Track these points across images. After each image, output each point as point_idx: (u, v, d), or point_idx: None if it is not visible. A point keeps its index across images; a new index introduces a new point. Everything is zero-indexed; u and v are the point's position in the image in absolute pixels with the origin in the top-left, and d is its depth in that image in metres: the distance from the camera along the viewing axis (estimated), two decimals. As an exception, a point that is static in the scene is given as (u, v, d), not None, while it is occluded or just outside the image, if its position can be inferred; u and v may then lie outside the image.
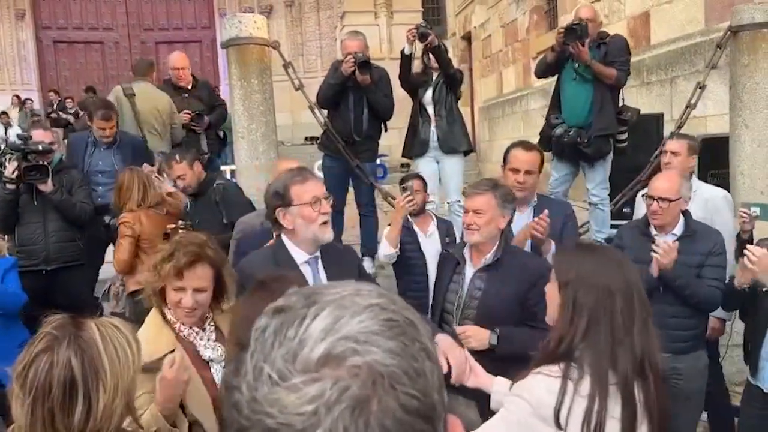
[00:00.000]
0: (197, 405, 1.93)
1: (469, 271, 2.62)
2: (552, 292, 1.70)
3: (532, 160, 3.06)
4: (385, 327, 0.51)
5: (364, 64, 4.32)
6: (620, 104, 4.53)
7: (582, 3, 4.48)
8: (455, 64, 12.25)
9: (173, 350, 1.94)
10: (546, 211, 2.87)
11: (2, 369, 2.49)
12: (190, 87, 5.25)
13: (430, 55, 4.57)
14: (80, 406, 1.23)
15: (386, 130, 4.85)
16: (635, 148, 4.74)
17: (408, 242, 3.42)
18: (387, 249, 3.32)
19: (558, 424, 1.50)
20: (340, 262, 2.45)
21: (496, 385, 1.89)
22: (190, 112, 5.02)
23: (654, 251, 2.70)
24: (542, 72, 4.61)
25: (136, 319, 2.68)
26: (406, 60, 4.60)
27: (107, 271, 4.24)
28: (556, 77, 4.56)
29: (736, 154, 4.39)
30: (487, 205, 2.54)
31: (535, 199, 3.15)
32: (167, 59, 5.55)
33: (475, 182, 3.11)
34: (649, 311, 1.63)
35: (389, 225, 3.41)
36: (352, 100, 4.55)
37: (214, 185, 3.85)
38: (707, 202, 3.43)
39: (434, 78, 4.63)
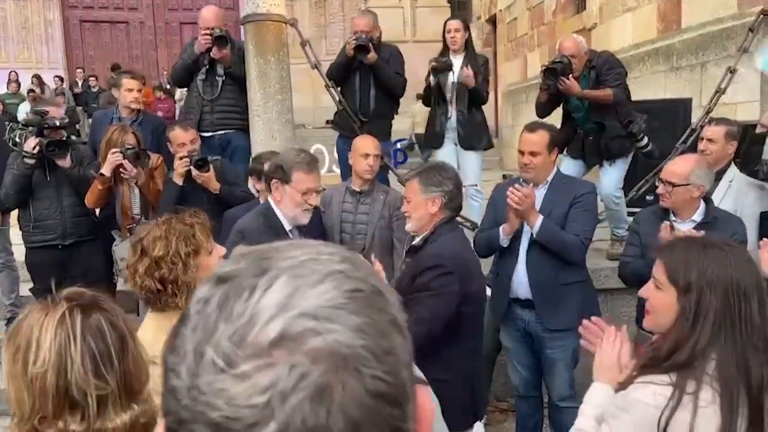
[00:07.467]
0: None
1: None
2: (660, 298, 1.51)
3: (536, 141, 3.03)
4: (350, 299, 0.44)
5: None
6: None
7: (565, 36, 4.27)
8: (479, 48, 12.08)
9: None
10: (518, 184, 2.93)
11: None
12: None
13: (449, 37, 4.49)
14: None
15: (397, 112, 4.81)
16: (661, 134, 4.60)
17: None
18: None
19: None
20: (311, 226, 2.81)
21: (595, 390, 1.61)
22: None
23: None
24: (542, 112, 4.40)
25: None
26: (427, 90, 4.60)
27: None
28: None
29: (766, 142, 4.22)
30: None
31: (551, 176, 3.11)
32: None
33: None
34: None
35: None
36: (358, 80, 4.50)
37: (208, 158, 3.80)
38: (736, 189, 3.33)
39: (459, 65, 4.52)
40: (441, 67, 4.39)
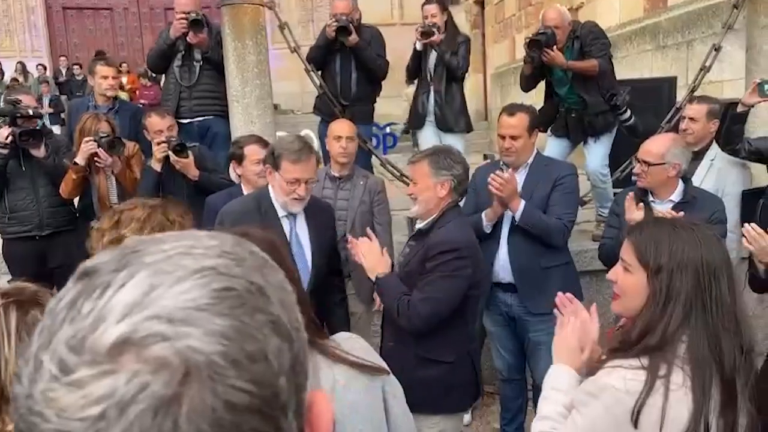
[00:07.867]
0: None
1: None
2: (630, 281, 1.47)
3: (515, 124, 3.01)
4: (217, 299, 0.39)
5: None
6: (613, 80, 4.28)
7: (549, 7, 4.22)
8: (468, 30, 11.90)
9: None
10: (502, 168, 2.91)
11: None
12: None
13: (427, 23, 4.46)
14: None
15: (379, 95, 4.77)
16: (646, 113, 4.56)
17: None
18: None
19: (636, 425, 1.32)
20: (321, 215, 2.75)
21: (559, 371, 1.57)
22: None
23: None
24: (526, 85, 4.35)
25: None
26: (415, 56, 4.52)
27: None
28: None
29: (751, 120, 4.19)
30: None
31: (531, 158, 3.08)
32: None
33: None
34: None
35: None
36: (339, 63, 4.45)
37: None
38: (718, 168, 3.32)
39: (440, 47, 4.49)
40: (427, 31, 4.33)
